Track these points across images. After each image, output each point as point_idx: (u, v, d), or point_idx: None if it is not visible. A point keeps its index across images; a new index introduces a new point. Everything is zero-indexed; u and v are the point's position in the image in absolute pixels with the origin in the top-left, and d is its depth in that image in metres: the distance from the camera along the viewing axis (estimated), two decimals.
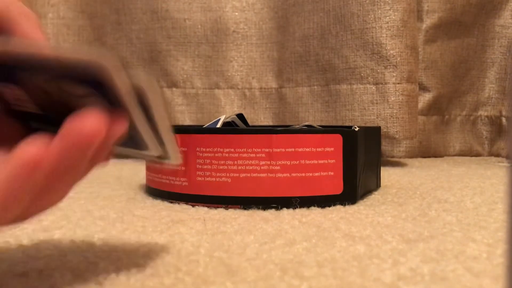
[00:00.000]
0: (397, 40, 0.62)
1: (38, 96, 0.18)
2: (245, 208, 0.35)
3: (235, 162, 0.35)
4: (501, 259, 0.23)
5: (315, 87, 0.68)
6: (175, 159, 0.21)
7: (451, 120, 0.81)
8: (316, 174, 0.35)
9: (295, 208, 0.35)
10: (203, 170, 0.36)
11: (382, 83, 0.63)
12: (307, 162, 0.35)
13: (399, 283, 0.20)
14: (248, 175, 0.35)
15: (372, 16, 0.63)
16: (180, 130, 0.37)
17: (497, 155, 0.81)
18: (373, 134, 0.42)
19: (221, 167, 0.35)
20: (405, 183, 0.48)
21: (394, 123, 0.62)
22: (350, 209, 0.35)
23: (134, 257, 0.23)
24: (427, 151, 0.79)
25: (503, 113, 0.80)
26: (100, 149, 0.18)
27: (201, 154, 0.36)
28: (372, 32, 0.63)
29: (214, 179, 0.35)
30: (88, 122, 0.16)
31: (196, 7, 0.72)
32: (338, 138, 0.36)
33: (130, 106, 0.17)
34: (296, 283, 0.20)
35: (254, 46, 0.73)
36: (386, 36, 0.62)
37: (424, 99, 0.77)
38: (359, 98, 0.64)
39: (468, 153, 0.82)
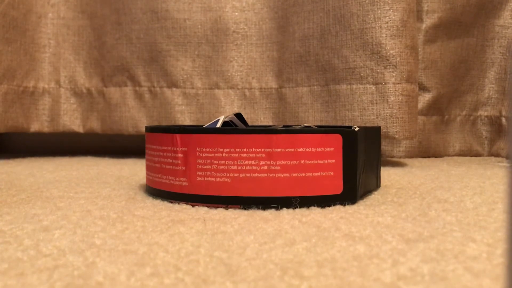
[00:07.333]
0: (397, 40, 0.62)
1: None
2: (245, 208, 0.35)
3: (235, 162, 0.35)
4: (501, 259, 0.23)
5: (315, 87, 0.68)
6: None
7: (451, 120, 0.81)
8: (316, 174, 0.35)
9: (295, 208, 0.35)
10: (203, 170, 0.36)
11: (381, 83, 0.63)
12: (307, 162, 0.35)
13: (399, 283, 0.20)
14: (248, 175, 0.35)
15: (372, 16, 0.63)
16: (180, 130, 0.37)
17: (497, 155, 0.81)
18: (373, 134, 0.42)
19: (221, 167, 0.35)
20: (405, 183, 0.48)
21: (394, 123, 0.62)
22: (350, 209, 0.35)
23: (134, 257, 0.23)
24: (427, 151, 0.79)
25: (503, 113, 0.80)
26: None
27: (201, 154, 0.36)
28: (372, 32, 0.63)
29: (214, 179, 0.35)
30: None
31: (196, 7, 0.72)
32: (338, 138, 0.36)
33: None
34: (296, 283, 0.20)
35: (254, 46, 0.73)
36: (386, 36, 0.62)
37: (424, 99, 0.77)
38: (359, 98, 0.64)
39: (468, 153, 0.82)
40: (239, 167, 0.35)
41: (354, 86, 0.64)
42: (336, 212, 0.34)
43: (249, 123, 0.74)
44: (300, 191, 0.35)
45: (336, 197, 0.36)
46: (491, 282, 0.20)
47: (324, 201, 0.35)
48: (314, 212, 0.34)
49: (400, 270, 0.22)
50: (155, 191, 0.39)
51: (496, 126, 0.81)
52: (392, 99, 0.62)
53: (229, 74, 0.73)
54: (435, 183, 0.49)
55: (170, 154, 0.37)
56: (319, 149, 0.35)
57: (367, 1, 0.63)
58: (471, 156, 0.82)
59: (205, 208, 0.35)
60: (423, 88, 0.77)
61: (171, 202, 0.37)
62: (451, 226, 0.30)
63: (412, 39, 0.63)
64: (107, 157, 0.78)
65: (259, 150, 0.35)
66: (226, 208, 0.35)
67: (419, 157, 0.78)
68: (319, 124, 0.68)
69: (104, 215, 0.33)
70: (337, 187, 0.36)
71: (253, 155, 0.35)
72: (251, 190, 0.35)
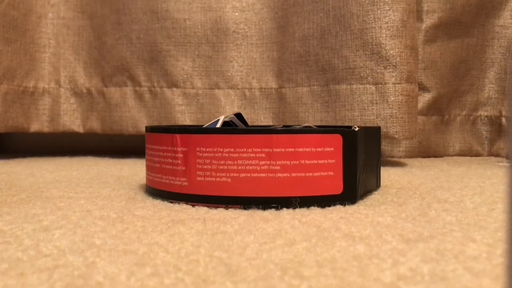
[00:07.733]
0: (397, 40, 0.62)
1: None
2: (245, 208, 0.35)
3: (235, 162, 0.35)
4: (501, 259, 0.23)
5: (315, 87, 0.68)
6: None
7: (451, 120, 0.81)
8: (316, 174, 0.35)
9: (295, 208, 0.35)
10: (203, 170, 0.36)
11: (381, 83, 0.63)
12: (307, 162, 0.35)
13: (399, 283, 0.20)
14: (248, 175, 0.35)
15: (372, 16, 0.63)
16: (180, 130, 0.37)
17: (497, 155, 0.81)
18: (373, 134, 0.42)
19: (221, 167, 0.35)
20: (405, 183, 0.48)
21: (393, 123, 0.62)
22: (350, 209, 0.35)
23: (134, 257, 0.23)
24: (427, 151, 0.79)
25: (503, 113, 0.80)
26: None
27: (201, 154, 0.36)
28: (372, 32, 0.63)
29: (214, 179, 0.35)
30: None
31: (196, 7, 0.72)
32: (338, 138, 0.36)
33: None
34: (296, 283, 0.20)
35: (254, 46, 0.73)
36: (386, 36, 0.62)
37: (424, 99, 0.77)
38: (359, 98, 0.64)
39: (468, 153, 0.82)
40: (239, 167, 0.35)
41: (354, 86, 0.64)
42: (336, 212, 0.34)
43: (249, 123, 0.74)
44: (300, 191, 0.35)
45: (336, 197, 0.36)
46: (491, 282, 0.20)
47: (324, 201, 0.35)
48: (314, 212, 0.34)
49: (400, 270, 0.22)
50: (155, 191, 0.39)
51: (496, 126, 0.81)
52: (392, 99, 0.62)
53: (229, 74, 0.73)
54: (435, 183, 0.49)
55: (170, 154, 0.37)
56: (319, 149, 0.35)
57: (367, 1, 0.63)
58: (471, 156, 0.82)
59: (205, 208, 0.35)
60: (423, 88, 0.77)
61: (171, 202, 0.37)
62: (451, 226, 0.30)
63: (412, 39, 0.63)
64: (107, 157, 0.78)
65: (259, 150, 0.35)
66: (226, 208, 0.35)
67: (419, 157, 0.78)
68: (319, 124, 0.68)
69: (104, 215, 0.33)
70: (337, 187, 0.36)
71: (253, 155, 0.35)
72: (251, 190, 0.35)
